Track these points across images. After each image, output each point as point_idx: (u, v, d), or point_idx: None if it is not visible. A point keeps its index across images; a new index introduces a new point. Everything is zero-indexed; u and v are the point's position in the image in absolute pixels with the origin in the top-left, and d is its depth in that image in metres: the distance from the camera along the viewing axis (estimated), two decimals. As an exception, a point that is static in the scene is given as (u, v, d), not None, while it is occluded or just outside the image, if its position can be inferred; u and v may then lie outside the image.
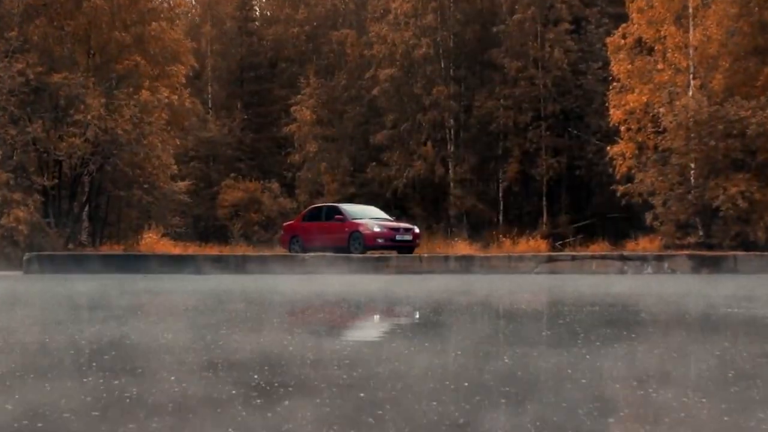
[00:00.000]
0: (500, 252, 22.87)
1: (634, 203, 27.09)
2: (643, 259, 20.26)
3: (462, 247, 24.50)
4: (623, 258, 20.33)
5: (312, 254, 20.52)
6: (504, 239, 24.54)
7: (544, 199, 35.63)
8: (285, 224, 24.76)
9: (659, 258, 20.37)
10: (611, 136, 32.89)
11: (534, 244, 23.91)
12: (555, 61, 34.66)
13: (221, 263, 20.17)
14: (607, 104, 28.92)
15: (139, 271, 19.13)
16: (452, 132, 36.40)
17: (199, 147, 39.00)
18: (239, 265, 20.03)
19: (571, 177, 35.87)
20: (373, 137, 36.75)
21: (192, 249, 24.64)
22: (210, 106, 42.05)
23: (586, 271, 19.81)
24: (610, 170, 28.00)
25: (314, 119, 37.46)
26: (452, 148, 36.19)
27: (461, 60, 37.08)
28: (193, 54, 41.46)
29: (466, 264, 20.05)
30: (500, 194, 36.47)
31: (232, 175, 37.19)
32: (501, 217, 36.06)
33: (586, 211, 36.36)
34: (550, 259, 20.57)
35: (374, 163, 36.67)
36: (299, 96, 38.06)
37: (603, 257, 20.71)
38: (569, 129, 35.68)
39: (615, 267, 19.87)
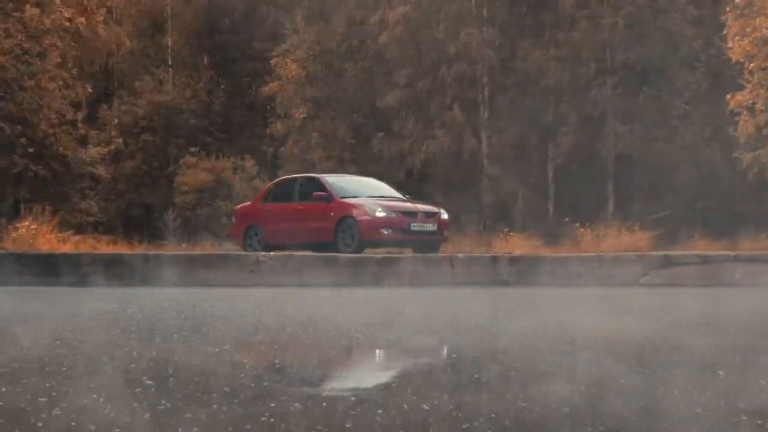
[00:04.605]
0: (577, 251, 16.32)
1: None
2: (819, 264, 14.66)
3: (513, 245, 17.82)
4: (785, 262, 14.72)
5: (272, 254, 14.65)
6: (582, 231, 17.84)
7: (610, 181, 31.23)
8: (237, 207, 19.14)
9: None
10: (703, 94, 28.93)
11: (629, 240, 17.13)
12: (627, -6, 30.45)
13: (120, 269, 13.91)
14: (712, 44, 23.89)
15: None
16: (487, 92, 32.89)
17: (153, 115, 35.18)
18: (147, 271, 13.65)
19: (647, 151, 31.14)
20: (381, 100, 33.36)
21: (89, 245, 18.16)
22: (169, 63, 37.83)
23: (726, 282, 14.13)
24: (730, 130, 22.17)
25: (303, 76, 33.94)
26: (487, 114, 32.67)
27: (499, -6, 33.40)
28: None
29: (526, 270, 14.20)
30: (550, 175, 32.44)
31: (193, 149, 33.01)
32: (552, 206, 31.81)
33: (667, 197, 31.32)
34: (667, 263, 14.48)
35: (382, 134, 33.28)
36: (283, 46, 34.22)
37: (752, 259, 14.99)
38: (645, 87, 31.17)
39: (770, 276, 14.63)
